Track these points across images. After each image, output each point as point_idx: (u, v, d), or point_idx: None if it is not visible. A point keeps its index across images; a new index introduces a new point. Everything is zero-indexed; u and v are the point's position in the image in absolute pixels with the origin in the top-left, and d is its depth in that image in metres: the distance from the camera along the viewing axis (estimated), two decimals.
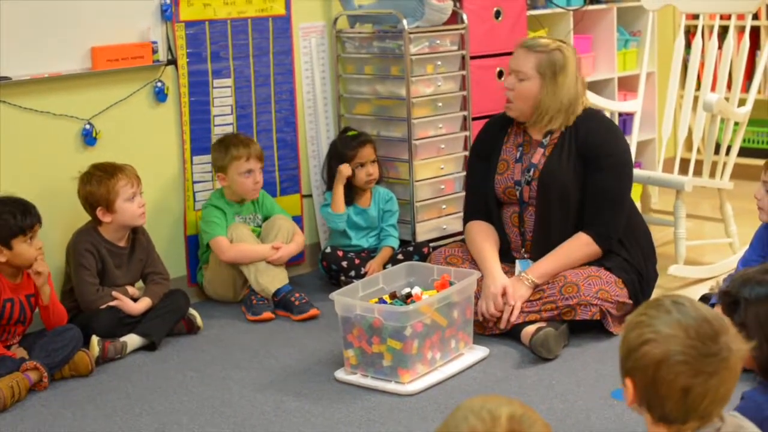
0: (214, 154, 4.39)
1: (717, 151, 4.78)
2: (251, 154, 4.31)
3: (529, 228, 3.89)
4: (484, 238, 3.92)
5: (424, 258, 4.39)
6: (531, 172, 3.85)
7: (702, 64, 5.18)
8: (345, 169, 4.52)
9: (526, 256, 3.91)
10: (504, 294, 3.73)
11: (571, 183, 3.81)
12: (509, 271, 3.87)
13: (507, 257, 3.93)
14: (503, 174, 3.93)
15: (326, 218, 4.61)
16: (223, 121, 4.53)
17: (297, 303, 4.18)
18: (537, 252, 3.85)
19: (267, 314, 4.15)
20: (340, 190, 4.54)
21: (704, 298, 3.71)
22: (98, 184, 3.91)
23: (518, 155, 3.91)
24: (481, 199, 4.00)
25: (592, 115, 3.90)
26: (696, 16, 5.59)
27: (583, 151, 3.81)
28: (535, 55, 3.81)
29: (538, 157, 3.86)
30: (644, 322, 1.80)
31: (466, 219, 4.06)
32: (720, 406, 1.80)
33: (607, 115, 4.79)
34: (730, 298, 2.23)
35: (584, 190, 3.81)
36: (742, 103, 4.84)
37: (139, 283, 4.09)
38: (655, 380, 1.77)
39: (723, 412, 1.88)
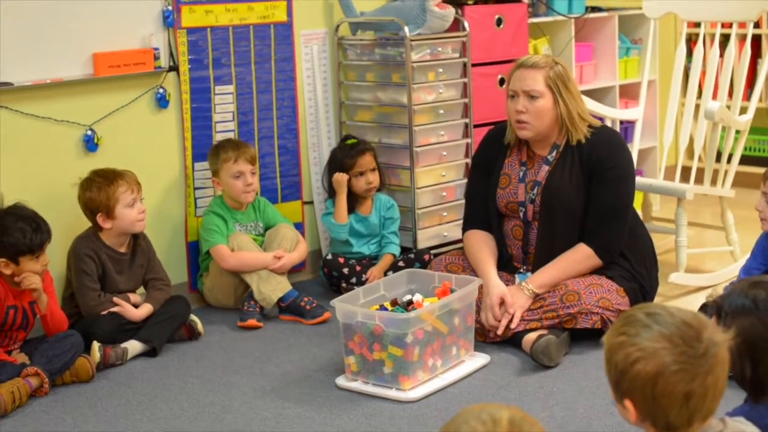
0: (209, 159, 4.41)
1: (718, 159, 4.78)
2: (239, 156, 4.31)
3: (532, 243, 3.88)
4: (481, 248, 3.91)
5: (425, 265, 4.39)
6: (535, 190, 3.84)
7: (703, 72, 5.18)
8: (341, 178, 4.52)
9: (524, 269, 3.89)
10: (502, 303, 3.73)
11: (574, 198, 3.79)
12: (510, 281, 3.87)
13: (508, 267, 3.93)
14: (505, 188, 3.91)
15: (328, 228, 4.61)
16: (224, 128, 4.53)
17: (308, 308, 4.18)
18: (539, 267, 3.84)
19: (252, 321, 4.14)
20: (342, 200, 4.54)
21: (703, 308, 3.70)
22: (98, 191, 3.91)
23: (521, 174, 3.90)
24: (480, 209, 3.99)
25: (599, 130, 3.89)
26: (697, 24, 5.59)
27: (587, 164, 3.80)
28: (541, 71, 3.78)
29: (543, 174, 3.84)
30: (627, 342, 1.80)
31: (465, 228, 4.06)
32: (719, 399, 1.81)
33: (608, 123, 4.80)
34: (716, 308, 2.22)
35: (587, 203, 3.80)
36: (743, 111, 4.85)
37: (141, 289, 4.09)
38: (655, 395, 1.77)
39: (726, 416, 1.89)
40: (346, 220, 4.55)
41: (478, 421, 1.51)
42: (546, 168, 3.85)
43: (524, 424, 1.52)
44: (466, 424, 1.51)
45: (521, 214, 3.87)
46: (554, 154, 3.85)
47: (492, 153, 4.00)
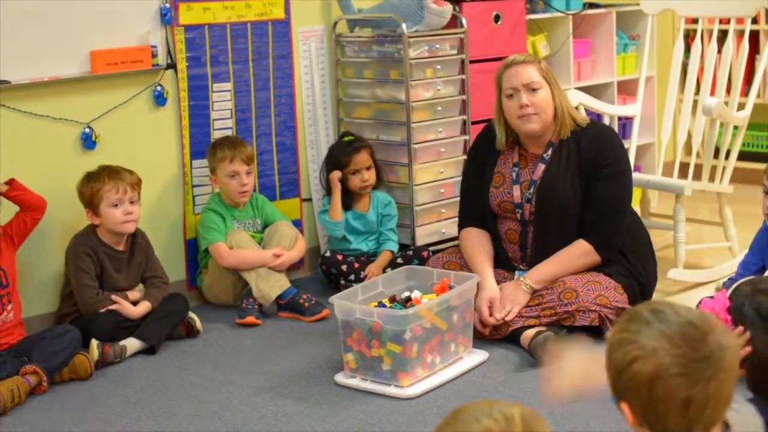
0: (207, 157, 4.41)
1: (716, 155, 4.78)
2: (235, 156, 4.30)
3: (529, 244, 3.88)
4: (477, 248, 3.91)
5: (423, 262, 4.38)
6: (531, 189, 3.84)
7: (701, 68, 5.19)
8: (335, 177, 4.53)
9: (523, 266, 3.89)
10: (490, 306, 3.73)
11: (570, 196, 3.79)
12: (509, 278, 3.86)
13: (507, 265, 3.92)
14: (499, 188, 3.90)
15: (324, 225, 4.62)
16: (222, 125, 4.53)
17: (307, 305, 4.19)
18: (536, 265, 3.84)
19: (251, 318, 4.14)
20: (337, 198, 4.54)
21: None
22: (86, 186, 3.91)
23: (514, 175, 3.89)
24: (475, 205, 3.98)
25: (592, 126, 3.90)
26: (695, 20, 5.59)
27: (583, 161, 3.80)
28: (533, 65, 3.80)
29: (539, 172, 3.84)
30: (627, 339, 1.69)
31: (461, 225, 4.05)
32: (723, 409, 1.70)
33: (606, 119, 4.81)
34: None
35: (584, 200, 3.80)
36: (741, 107, 4.85)
37: (139, 287, 4.08)
38: (651, 399, 1.66)
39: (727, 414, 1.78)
40: (341, 218, 4.55)
41: (491, 419, 1.44)
42: (542, 166, 3.84)
43: (535, 422, 1.46)
44: (478, 423, 1.45)
45: (518, 215, 3.86)
46: (550, 152, 3.85)
47: (487, 148, 3.99)
